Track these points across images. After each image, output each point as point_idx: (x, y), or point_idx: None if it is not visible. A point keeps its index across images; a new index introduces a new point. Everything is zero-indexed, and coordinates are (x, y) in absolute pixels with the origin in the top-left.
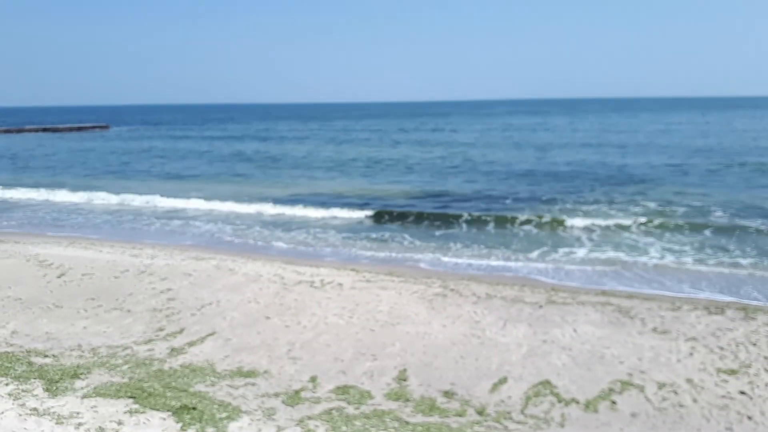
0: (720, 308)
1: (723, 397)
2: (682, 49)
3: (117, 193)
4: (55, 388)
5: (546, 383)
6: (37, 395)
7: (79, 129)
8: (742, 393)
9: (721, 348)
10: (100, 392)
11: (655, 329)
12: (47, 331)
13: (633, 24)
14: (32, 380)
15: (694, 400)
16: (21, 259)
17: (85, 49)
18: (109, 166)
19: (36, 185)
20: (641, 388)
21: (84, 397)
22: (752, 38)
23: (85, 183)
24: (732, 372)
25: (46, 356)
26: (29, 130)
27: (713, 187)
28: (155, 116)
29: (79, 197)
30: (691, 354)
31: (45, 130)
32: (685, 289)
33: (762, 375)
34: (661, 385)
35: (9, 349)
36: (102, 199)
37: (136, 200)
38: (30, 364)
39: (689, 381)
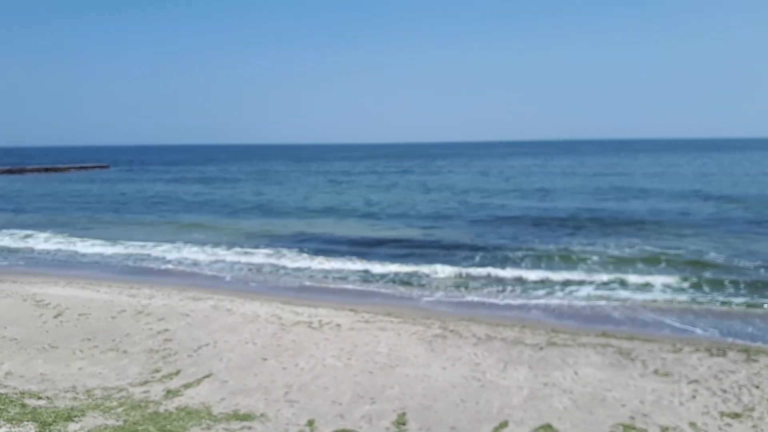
0: (722, 350)
1: None
2: (678, 90)
3: (115, 234)
4: (48, 431)
5: (547, 427)
6: None
7: (80, 168)
8: None
9: (724, 391)
10: None
11: (656, 371)
12: (42, 372)
13: (630, 68)
14: (25, 423)
15: None
16: (18, 299)
17: (86, 90)
18: (108, 208)
19: (33, 226)
20: None
21: None
22: (749, 80)
23: (84, 224)
24: (735, 415)
25: (40, 398)
26: (31, 171)
27: (713, 229)
28: (153, 156)
29: (75, 240)
30: (693, 397)
31: (47, 170)
32: (685, 330)
33: (766, 418)
34: (664, 429)
35: (2, 391)
36: (100, 241)
37: (133, 241)
38: (23, 406)
39: (692, 425)
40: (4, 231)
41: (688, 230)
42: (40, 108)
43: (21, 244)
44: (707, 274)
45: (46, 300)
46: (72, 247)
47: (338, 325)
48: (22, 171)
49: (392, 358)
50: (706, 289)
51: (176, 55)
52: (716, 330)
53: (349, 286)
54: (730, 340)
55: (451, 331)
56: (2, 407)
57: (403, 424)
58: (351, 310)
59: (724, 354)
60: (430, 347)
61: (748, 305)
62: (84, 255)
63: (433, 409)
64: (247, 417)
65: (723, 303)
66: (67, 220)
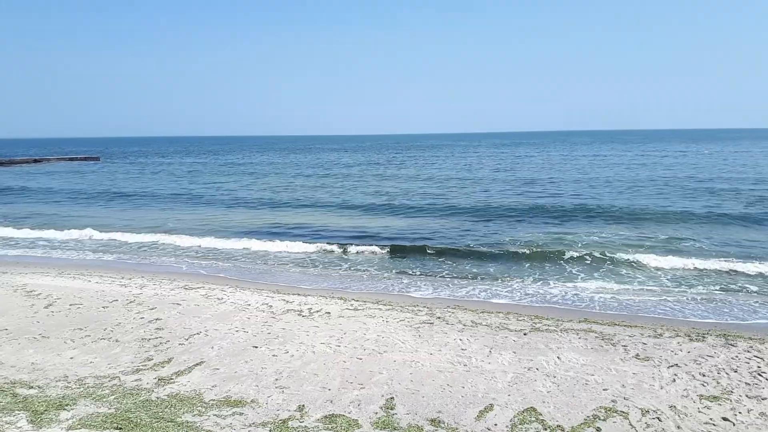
0: (701, 335)
1: (706, 423)
2: (672, 82)
3: (103, 226)
4: (39, 419)
5: (531, 410)
6: (20, 427)
7: (70, 160)
8: (725, 419)
9: (703, 374)
10: (85, 423)
11: (637, 356)
12: (33, 361)
13: (622, 61)
14: (16, 412)
15: (678, 427)
16: (8, 290)
17: (80, 82)
18: (96, 198)
19: (22, 219)
20: (625, 415)
21: (69, 428)
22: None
23: (71, 215)
24: (714, 398)
25: (31, 387)
26: (19, 162)
27: (703, 219)
28: (148, 148)
29: (65, 233)
30: (673, 380)
31: (36, 161)
32: (666, 316)
33: (744, 401)
34: (644, 412)
35: None
36: (88, 233)
37: (122, 232)
38: (15, 395)
39: (672, 407)
40: None
41: (677, 219)
42: (34, 100)
43: (7, 237)
44: (692, 261)
45: (37, 290)
46: (60, 236)
47: (328, 313)
48: (11, 163)
49: (380, 345)
50: (692, 277)
51: (164, 45)
52: (696, 316)
53: (338, 275)
54: (709, 324)
55: (438, 317)
56: None
57: (391, 408)
58: (340, 297)
59: (703, 339)
60: (417, 333)
61: (726, 291)
62: (72, 248)
63: (420, 394)
64: (239, 403)
65: (703, 288)
66: (55, 211)
